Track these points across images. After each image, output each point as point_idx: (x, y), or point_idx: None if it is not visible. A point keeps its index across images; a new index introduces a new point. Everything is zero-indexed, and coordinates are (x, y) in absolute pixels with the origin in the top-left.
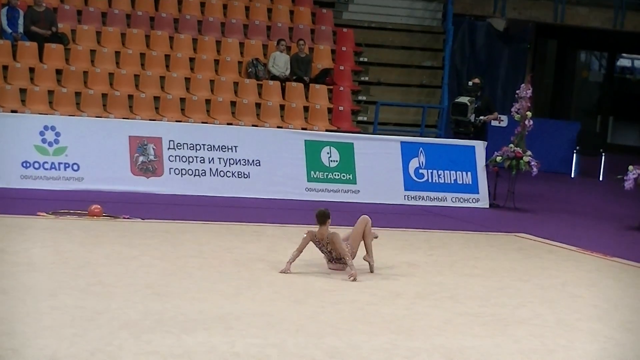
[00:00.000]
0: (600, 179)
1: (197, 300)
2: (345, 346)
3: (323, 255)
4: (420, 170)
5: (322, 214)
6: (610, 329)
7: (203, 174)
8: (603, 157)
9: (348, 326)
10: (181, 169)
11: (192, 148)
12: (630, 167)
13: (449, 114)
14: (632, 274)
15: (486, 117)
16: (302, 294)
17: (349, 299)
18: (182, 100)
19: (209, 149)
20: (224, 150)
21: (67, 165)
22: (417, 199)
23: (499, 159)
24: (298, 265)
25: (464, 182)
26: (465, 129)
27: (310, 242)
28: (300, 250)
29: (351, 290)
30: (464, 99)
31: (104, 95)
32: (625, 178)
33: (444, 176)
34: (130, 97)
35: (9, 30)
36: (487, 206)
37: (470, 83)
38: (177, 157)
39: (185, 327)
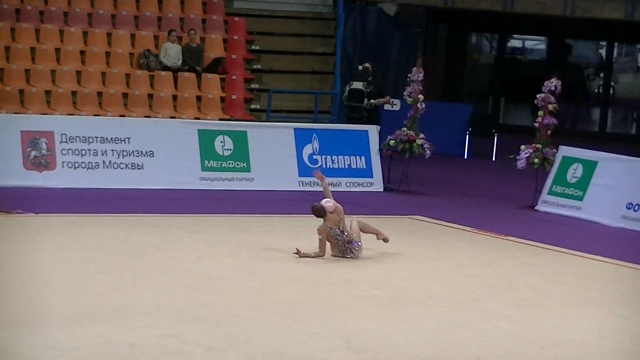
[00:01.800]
0: (494, 159)
1: (92, 293)
2: (243, 333)
3: (332, 246)
4: (314, 156)
5: (319, 210)
6: (504, 307)
7: (96, 167)
8: (495, 138)
9: (245, 313)
10: (74, 162)
11: (84, 141)
12: (523, 147)
13: (341, 100)
14: (527, 252)
15: (377, 100)
16: (199, 283)
17: (246, 286)
18: (74, 93)
19: (102, 142)
20: (116, 142)
21: None
22: (312, 184)
23: (392, 142)
24: (194, 253)
25: (358, 167)
26: (358, 114)
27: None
28: (322, 254)
29: (247, 277)
30: (358, 85)
31: None
32: (517, 158)
33: (338, 161)
34: (21, 91)
35: None
36: (382, 190)
37: (360, 67)
38: (70, 151)
39: (81, 321)
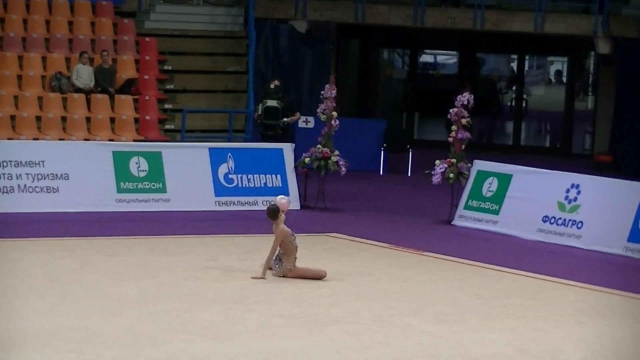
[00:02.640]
0: (409, 174)
1: (10, 319)
2: (164, 356)
3: (287, 253)
4: (230, 176)
5: (274, 210)
6: (425, 323)
7: (12, 191)
8: (410, 153)
9: (166, 335)
10: None
11: None
12: (437, 162)
13: (254, 118)
14: (445, 267)
15: (290, 118)
16: (118, 306)
17: (166, 308)
18: None
19: (16, 165)
20: (31, 165)
21: None
22: (229, 204)
23: (307, 160)
24: (112, 276)
25: (274, 185)
26: (274, 132)
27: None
28: (272, 255)
29: (167, 298)
30: (272, 102)
31: None
32: (432, 173)
33: (253, 180)
34: None
35: None
36: (299, 208)
37: (272, 86)
38: None
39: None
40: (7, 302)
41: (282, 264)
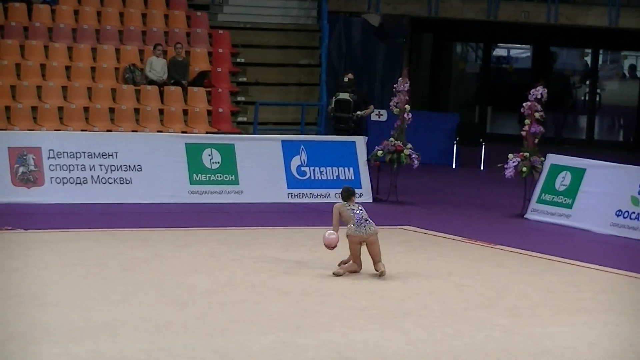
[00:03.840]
0: (482, 168)
1: (82, 309)
2: (234, 346)
3: (346, 220)
4: (302, 168)
5: (348, 189)
6: (496, 316)
7: (85, 182)
8: (483, 147)
9: (236, 326)
10: (62, 178)
11: (72, 156)
12: (510, 156)
13: (326, 111)
14: (517, 260)
15: (363, 111)
16: (189, 296)
17: (236, 299)
18: (60, 109)
19: (90, 157)
20: (104, 157)
21: None
22: (301, 196)
23: (380, 153)
24: (184, 267)
25: (347, 178)
26: (346, 125)
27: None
28: (336, 229)
29: (238, 290)
30: (344, 95)
31: None
32: (505, 166)
33: (326, 173)
34: (8, 108)
35: None
36: (371, 200)
37: (345, 79)
38: (58, 166)
39: (72, 336)
40: (81, 291)
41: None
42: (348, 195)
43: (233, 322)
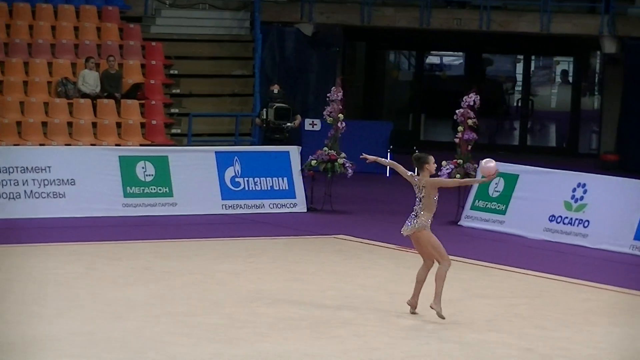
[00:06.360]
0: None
1: (14, 324)
2: (169, 359)
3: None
4: (237, 179)
5: (417, 158)
6: (432, 323)
7: (18, 197)
8: None
9: (171, 339)
10: None
11: (4, 171)
12: (444, 163)
13: (254, 122)
14: (452, 267)
15: (293, 122)
16: (124, 310)
17: (172, 311)
18: None
19: (22, 171)
20: (37, 171)
21: None
22: (235, 207)
23: (314, 162)
24: (119, 280)
25: (281, 188)
26: (281, 135)
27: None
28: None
29: (173, 302)
30: (281, 105)
31: None
32: (439, 174)
33: (260, 183)
34: None
35: None
36: (305, 210)
37: (275, 91)
38: None
39: (3, 351)
40: (10, 306)
41: (418, 220)
42: (422, 161)
43: (168, 335)
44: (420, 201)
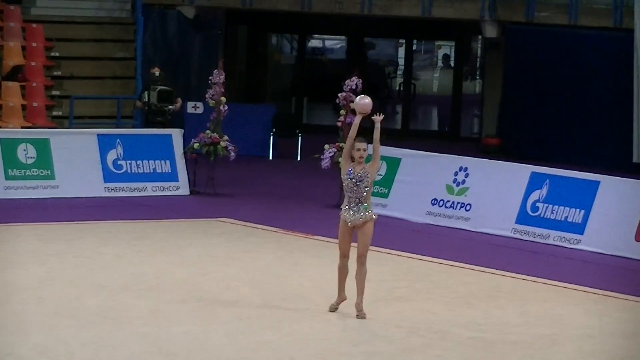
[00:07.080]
0: (298, 159)
1: None
2: (53, 342)
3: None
4: (119, 162)
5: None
6: (315, 306)
7: None
8: (300, 138)
9: (54, 321)
10: None
11: None
12: (327, 146)
13: (135, 105)
14: (334, 251)
15: (174, 105)
16: (5, 293)
17: (54, 294)
18: None
19: None
20: None
21: None
22: (118, 190)
23: (196, 145)
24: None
25: (163, 171)
26: (163, 117)
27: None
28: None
29: (55, 285)
30: (164, 87)
31: None
32: (321, 157)
33: (142, 166)
34: None
35: None
36: (188, 193)
37: (157, 73)
38: None
39: None
40: None
41: (369, 210)
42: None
43: (51, 318)
44: (363, 190)
